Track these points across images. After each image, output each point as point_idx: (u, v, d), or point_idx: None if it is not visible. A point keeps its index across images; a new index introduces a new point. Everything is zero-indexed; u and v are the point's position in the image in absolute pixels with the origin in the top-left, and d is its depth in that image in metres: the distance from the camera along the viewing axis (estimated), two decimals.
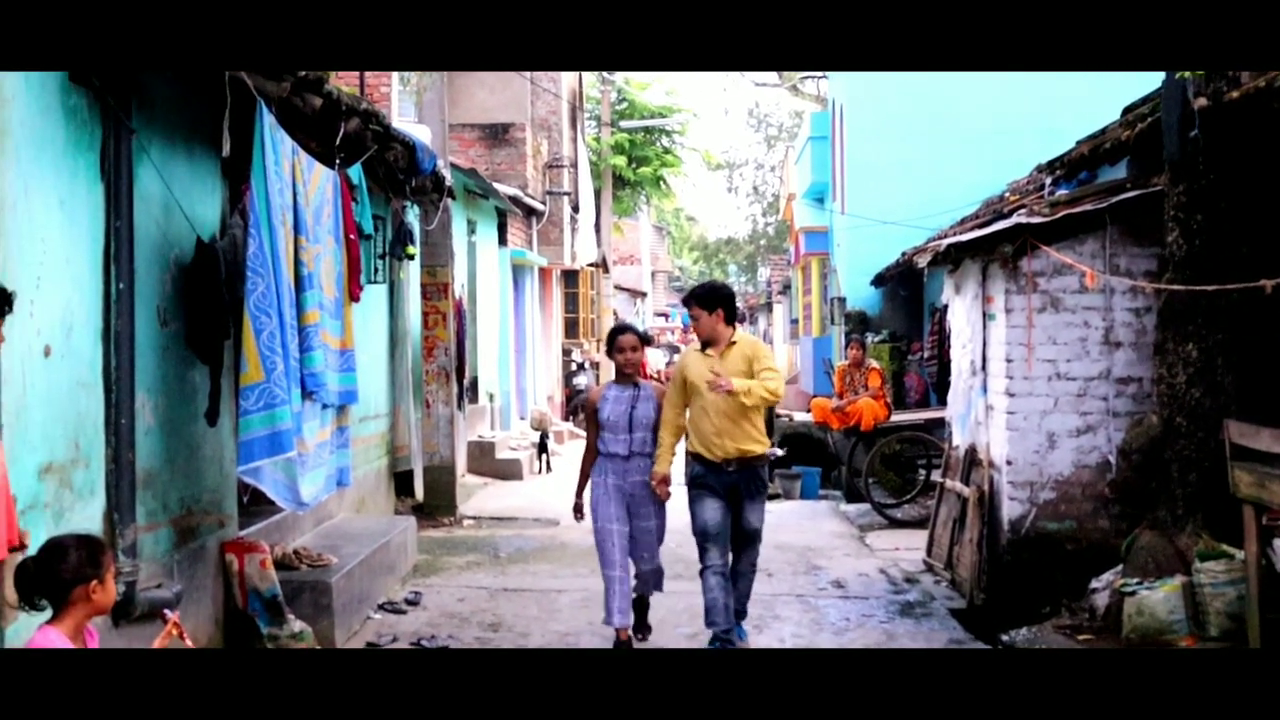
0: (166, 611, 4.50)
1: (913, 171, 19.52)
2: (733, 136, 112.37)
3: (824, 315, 25.00)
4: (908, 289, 19.57)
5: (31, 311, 5.21)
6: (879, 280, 19.74)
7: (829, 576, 10.55)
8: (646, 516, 7.93)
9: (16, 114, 5.11)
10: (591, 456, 8.05)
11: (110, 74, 5.74)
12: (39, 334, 5.29)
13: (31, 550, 4.28)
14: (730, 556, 7.78)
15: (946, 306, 11.80)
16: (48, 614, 4.05)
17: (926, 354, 17.56)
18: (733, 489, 7.68)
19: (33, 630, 4.13)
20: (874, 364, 14.98)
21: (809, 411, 19.15)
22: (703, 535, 7.68)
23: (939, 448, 12.92)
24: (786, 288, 37.83)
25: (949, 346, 13.17)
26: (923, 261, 11.13)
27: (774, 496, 15.98)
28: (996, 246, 9.01)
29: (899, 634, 8.55)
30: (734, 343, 7.71)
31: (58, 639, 3.95)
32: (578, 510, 8.10)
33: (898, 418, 14.93)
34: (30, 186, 5.22)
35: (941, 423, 12.83)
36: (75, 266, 5.63)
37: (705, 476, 7.71)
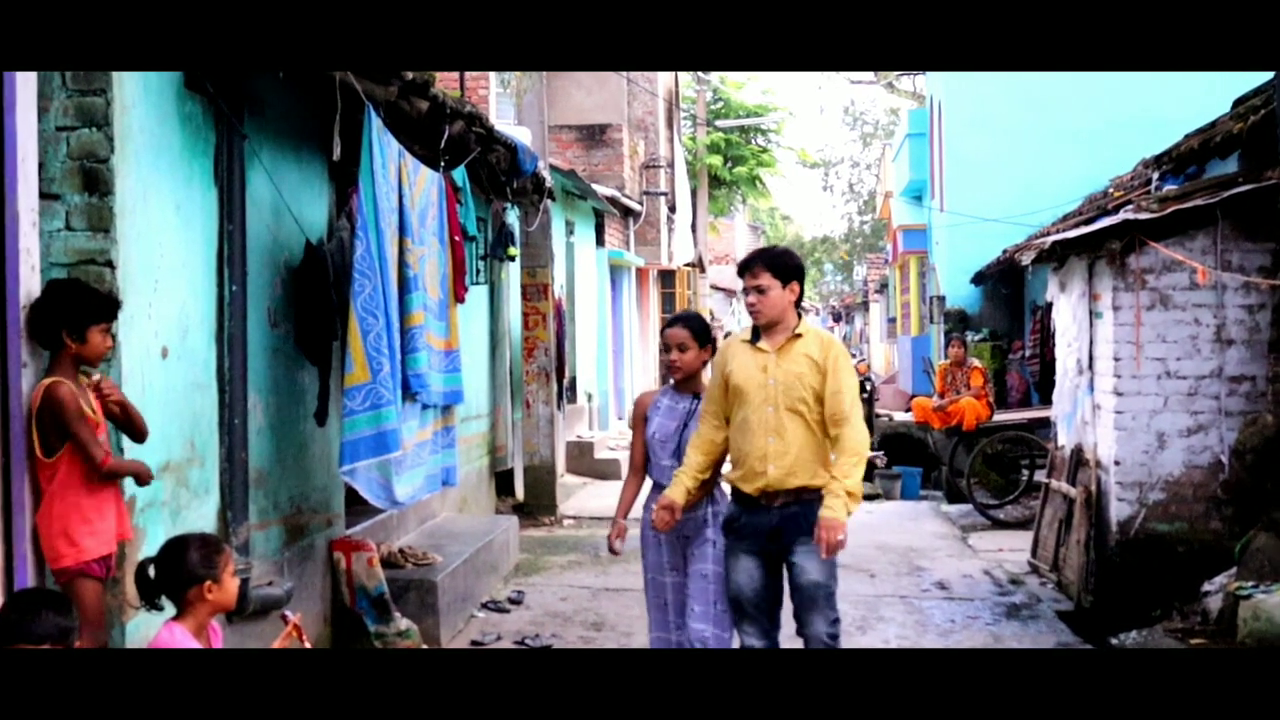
0: (287, 613, 4.56)
1: (1012, 167, 19.28)
2: (828, 134, 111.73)
3: (922, 314, 24.80)
4: (1008, 287, 19.32)
5: (150, 314, 5.32)
6: (979, 278, 19.52)
7: (932, 577, 10.46)
8: (702, 559, 5.87)
9: (136, 120, 5.23)
10: (638, 479, 6.25)
11: (224, 81, 5.84)
12: (156, 336, 5.40)
13: (152, 548, 4.38)
14: (780, 629, 5.82)
15: (1049, 304, 11.64)
16: (169, 611, 4.13)
17: (1028, 353, 17.34)
18: (774, 536, 5.60)
19: (155, 626, 4.23)
20: (976, 363, 14.82)
21: (909, 411, 19.03)
22: (734, 605, 5.73)
23: (1042, 448, 12.76)
24: (883, 286, 37.59)
25: (1052, 345, 13.01)
26: (1026, 259, 10.99)
27: (874, 497, 15.92)
28: (1103, 243, 8.87)
29: (1005, 636, 8.45)
30: (799, 335, 5.62)
31: (181, 635, 4.02)
32: (611, 544, 6.14)
33: (1000, 417, 14.75)
34: (148, 191, 5.34)
35: (1045, 422, 12.67)
36: (190, 269, 5.74)
37: (739, 520, 5.70)
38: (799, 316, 5.70)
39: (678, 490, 5.71)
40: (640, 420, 6.16)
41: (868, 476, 16.91)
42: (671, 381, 6.13)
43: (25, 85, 4.54)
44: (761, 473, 5.57)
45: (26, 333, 4.56)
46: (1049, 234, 12.79)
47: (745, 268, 5.69)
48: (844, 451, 5.45)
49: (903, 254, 27.15)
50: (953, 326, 19.61)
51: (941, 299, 20.80)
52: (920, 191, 25.47)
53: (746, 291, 5.67)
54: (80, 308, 4.60)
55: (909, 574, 10.67)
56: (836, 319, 59.85)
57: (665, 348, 6.07)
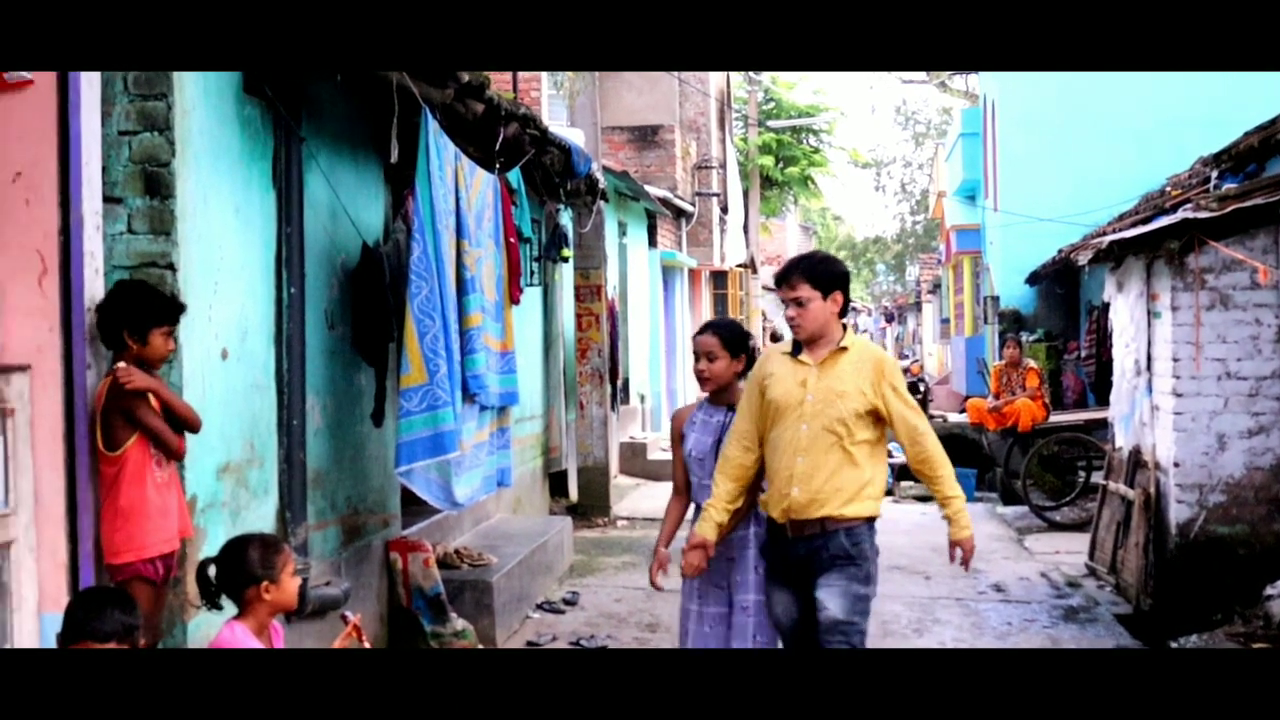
0: (347, 613, 4.59)
1: (1067, 166, 19.13)
2: (880, 134, 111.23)
3: (976, 315, 24.64)
4: (1064, 287, 19.16)
5: (210, 316, 5.37)
6: (1033, 278, 19.37)
7: (988, 580, 10.38)
8: (744, 588, 5.36)
9: (195, 124, 5.28)
10: (682, 502, 5.72)
11: (282, 84, 5.89)
12: (216, 338, 5.45)
13: (212, 548, 4.42)
14: None
15: (1106, 305, 11.54)
16: (230, 610, 4.17)
17: (1084, 353, 17.19)
18: (800, 567, 5.08)
19: (216, 625, 4.27)
20: (1031, 363, 14.71)
21: (963, 412, 18.91)
22: (781, 636, 5.33)
23: (1099, 449, 12.64)
24: (936, 287, 37.37)
25: (1108, 346, 12.91)
26: (1083, 259, 10.89)
27: (927, 498, 15.80)
28: (1162, 243, 8.78)
29: (1063, 639, 8.38)
30: (844, 349, 5.08)
31: (243, 633, 4.06)
32: (653, 579, 5.57)
33: (1056, 418, 14.63)
34: (208, 194, 5.39)
35: (1102, 423, 12.55)
36: (249, 272, 5.79)
37: (770, 549, 5.26)
38: (844, 328, 5.17)
39: (707, 526, 5.21)
40: (678, 438, 5.69)
41: (914, 478, 16.88)
42: (704, 393, 5.67)
43: (89, 89, 4.60)
44: (785, 494, 5.04)
45: (91, 334, 4.62)
46: (1105, 233, 12.67)
47: (782, 279, 5.18)
48: (934, 467, 5.11)
49: (956, 254, 26.97)
50: (1007, 327, 19.47)
51: (996, 299, 20.67)
52: (974, 191, 25.30)
53: (785, 304, 5.16)
54: (143, 309, 4.65)
55: (964, 576, 10.57)
56: (889, 319, 59.59)
57: (695, 356, 5.60)
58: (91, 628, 3.61)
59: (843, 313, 5.16)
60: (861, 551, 5.04)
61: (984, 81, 24.03)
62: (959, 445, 18.25)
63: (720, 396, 5.54)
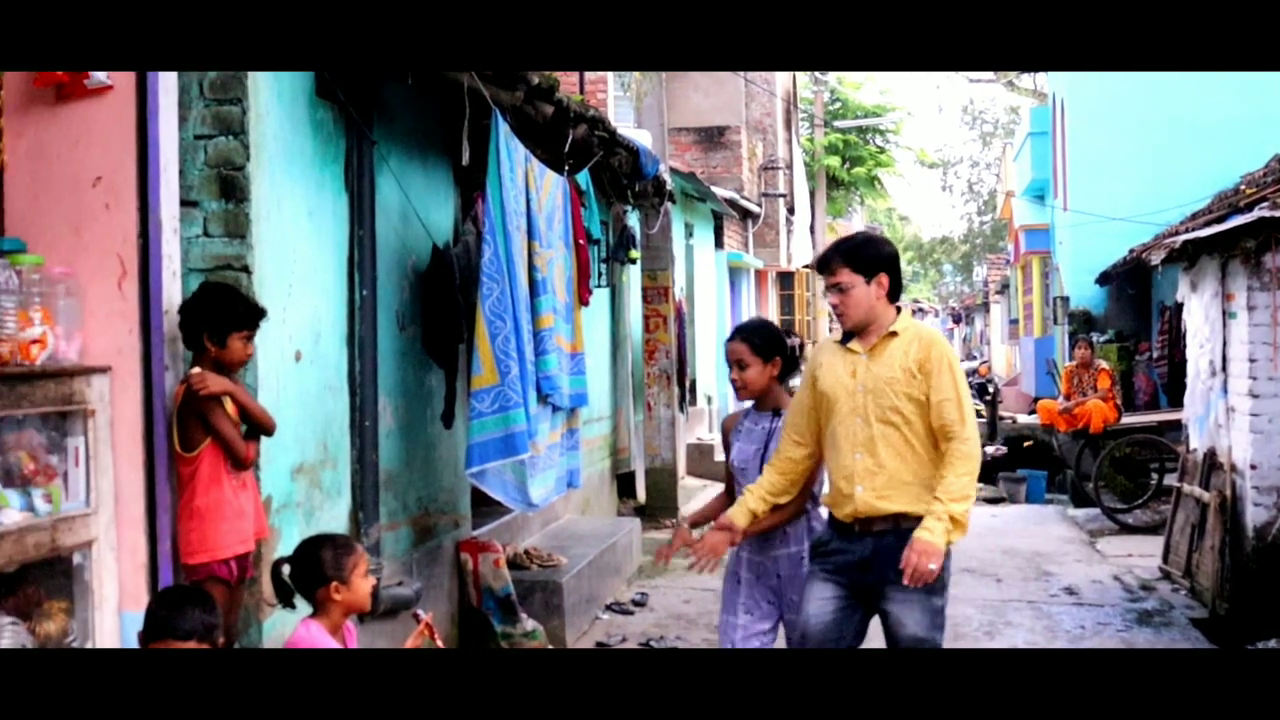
0: (419, 612, 4.61)
1: (1138, 165, 18.88)
2: (947, 134, 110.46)
3: (1045, 315, 24.39)
4: (1135, 287, 18.93)
5: (284, 318, 5.42)
6: (1104, 278, 19.15)
7: (1060, 583, 10.27)
8: (798, 609, 4.95)
9: (270, 129, 5.33)
10: (728, 498, 5.40)
11: (354, 88, 5.94)
12: (290, 340, 5.50)
13: (287, 549, 4.47)
14: None
15: (1179, 305, 11.40)
16: (305, 610, 4.21)
17: (1156, 354, 16.99)
18: (864, 568, 4.73)
19: (291, 624, 4.32)
20: (1103, 364, 14.55)
21: (1033, 413, 18.73)
22: (800, 645, 4.95)
23: (1172, 451, 12.48)
24: (1005, 287, 37.02)
25: (1181, 346, 12.74)
26: (1156, 258, 10.75)
27: (998, 500, 15.71)
28: (1237, 242, 8.65)
29: (1138, 643, 8.27)
30: (895, 334, 4.75)
31: (318, 632, 4.10)
32: (661, 552, 5.22)
33: (1128, 420, 14.46)
34: (282, 198, 5.44)
35: (1175, 425, 12.39)
36: (322, 274, 5.84)
37: (828, 545, 4.87)
38: (898, 311, 4.82)
39: (740, 511, 4.91)
40: (727, 445, 5.45)
41: (990, 479, 16.74)
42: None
43: (167, 95, 4.66)
44: (849, 495, 4.72)
45: (171, 336, 4.68)
46: (1178, 232, 12.49)
47: (823, 265, 4.88)
48: (950, 468, 4.57)
49: (1025, 254, 26.71)
50: (1077, 328, 19.28)
51: (1065, 300, 20.46)
52: (1042, 190, 25.06)
53: (828, 291, 4.85)
54: (223, 313, 4.68)
55: (1036, 579, 10.50)
56: (956, 320, 59.17)
57: (728, 364, 5.29)
58: (172, 626, 3.65)
59: (894, 295, 4.80)
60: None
61: (1052, 80, 23.79)
62: (1029, 447, 18.09)
63: (764, 402, 5.27)
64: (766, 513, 4.96)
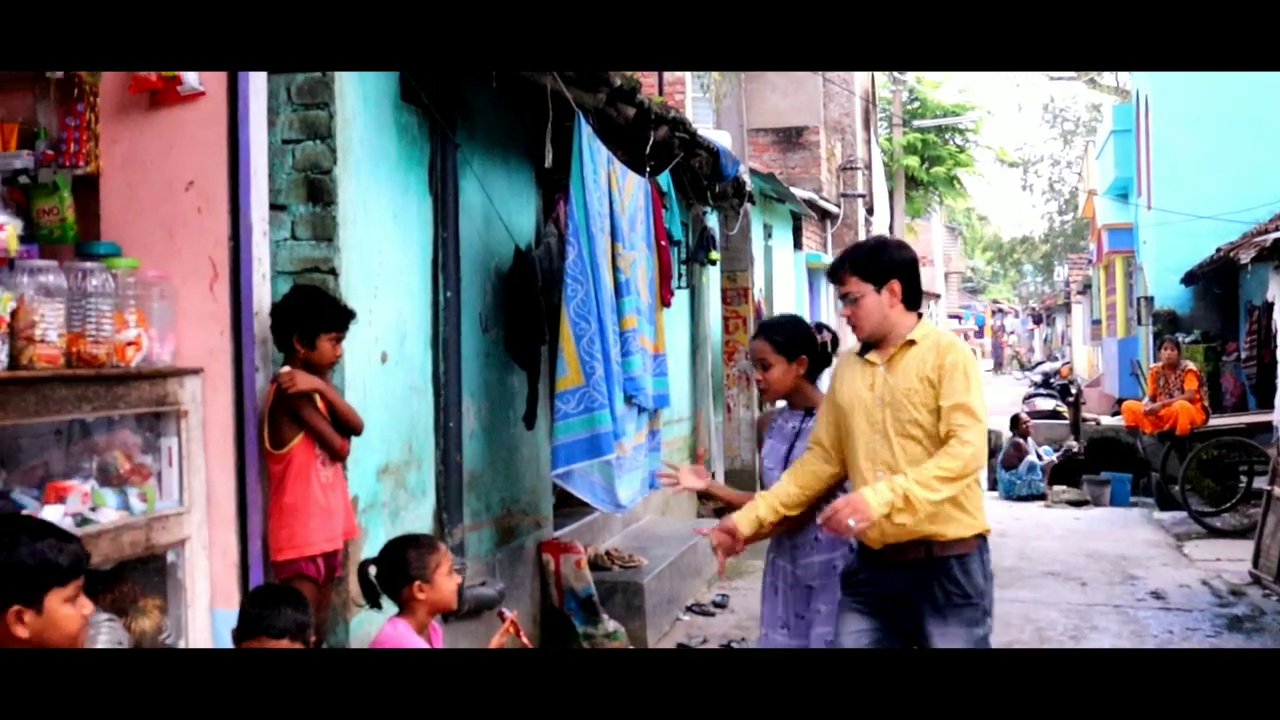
0: (504, 610, 4.64)
1: (1225, 163, 18.56)
2: (1027, 132, 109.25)
3: (1129, 316, 24.07)
4: (1222, 287, 18.61)
5: (370, 320, 5.47)
6: (1189, 278, 18.85)
7: (1147, 587, 10.13)
8: (827, 620, 4.72)
9: (356, 133, 5.39)
10: None
11: (438, 92, 5.99)
12: (376, 341, 5.55)
13: (373, 548, 4.52)
14: None
15: (1268, 304, 11.22)
16: (390, 609, 4.26)
17: (1244, 354, 16.70)
18: (900, 601, 4.43)
19: (379, 623, 4.36)
20: (1190, 365, 14.30)
21: (1116, 415, 18.50)
22: None
23: (1262, 453, 12.28)
24: (1086, 287, 36.57)
25: (1271, 346, 12.54)
26: (1245, 257, 10.61)
27: (1082, 503, 15.52)
28: None
29: (1228, 649, 8.14)
30: (912, 342, 4.45)
31: (404, 630, 4.14)
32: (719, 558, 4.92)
33: (1215, 421, 14.20)
34: (368, 201, 5.50)
35: (1265, 427, 12.20)
36: (407, 276, 5.89)
37: (857, 576, 4.55)
38: (916, 316, 4.53)
39: (747, 518, 4.62)
40: (761, 442, 5.29)
41: (1073, 481, 16.55)
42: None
43: (256, 99, 4.72)
44: (875, 519, 4.28)
45: (262, 337, 4.75)
46: (1267, 230, 12.30)
47: (833, 275, 4.64)
48: (935, 456, 4.26)
49: (1107, 254, 26.38)
50: (1162, 328, 19.00)
51: (1150, 300, 20.18)
52: (1126, 189, 24.73)
53: (841, 302, 4.60)
54: (312, 315, 4.74)
55: (1122, 583, 10.37)
56: (1036, 321, 58.59)
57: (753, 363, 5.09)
58: (266, 624, 3.70)
59: (911, 302, 4.50)
60: (976, 586, 4.35)
61: (1136, 77, 23.46)
62: (1112, 449, 17.85)
63: (795, 401, 5.04)
64: (774, 524, 4.69)
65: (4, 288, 3.95)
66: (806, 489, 4.63)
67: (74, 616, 2.95)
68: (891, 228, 29.36)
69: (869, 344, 4.53)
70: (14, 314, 3.93)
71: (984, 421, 4.33)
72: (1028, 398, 26.37)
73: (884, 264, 4.48)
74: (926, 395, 4.34)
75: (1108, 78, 33.19)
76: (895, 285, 4.43)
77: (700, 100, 16.68)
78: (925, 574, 4.32)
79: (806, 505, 4.65)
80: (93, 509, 4.08)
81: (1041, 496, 16.15)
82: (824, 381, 5.00)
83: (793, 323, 5.24)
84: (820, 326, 5.10)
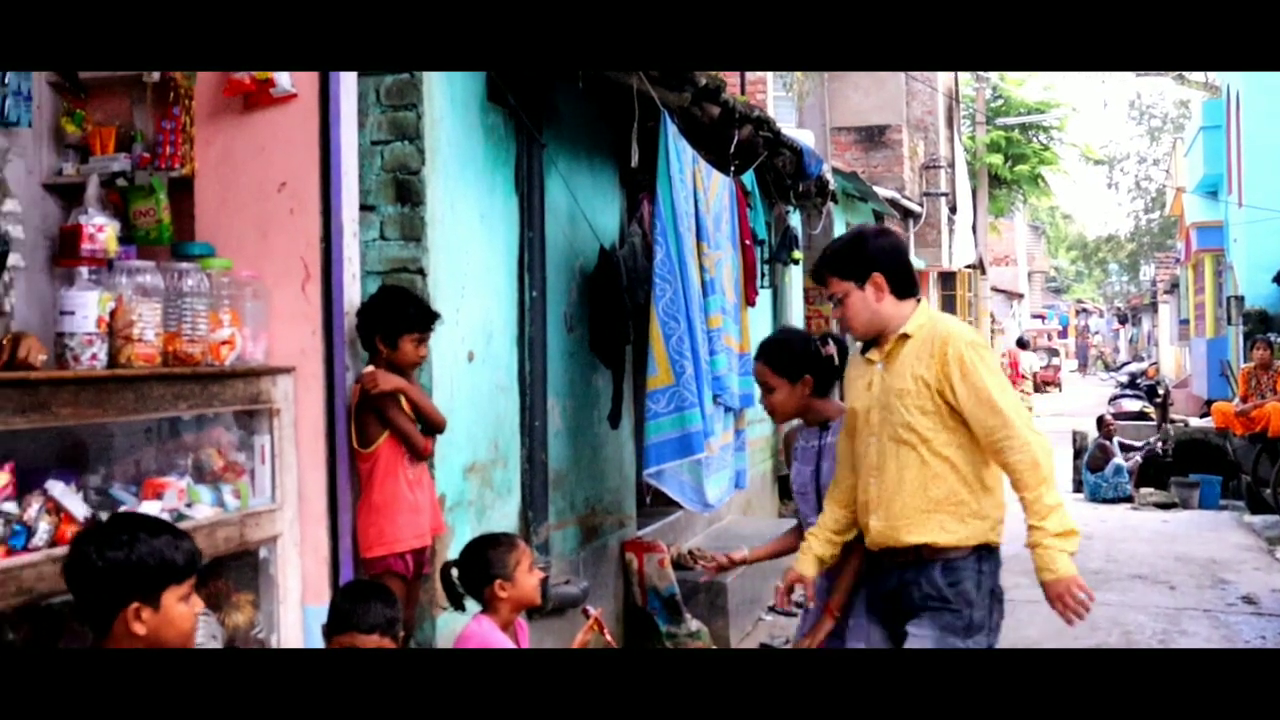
0: (589, 609, 4.66)
1: None
2: (1113, 129, 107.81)
3: (1218, 315, 23.69)
4: None
5: (457, 320, 5.52)
6: None
7: (1238, 591, 9.95)
8: (858, 634, 4.55)
9: (444, 134, 5.43)
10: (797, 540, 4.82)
11: (524, 93, 6.02)
12: (463, 340, 5.60)
13: (459, 546, 4.55)
14: None
15: None
16: (474, 609, 4.29)
17: None
18: (891, 600, 4.29)
19: (465, 619, 4.39)
20: None
21: (1204, 416, 18.19)
22: None
23: None
24: (1174, 286, 36.02)
25: None
26: None
27: (1170, 505, 15.28)
28: None
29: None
30: (907, 336, 4.17)
31: (489, 627, 4.17)
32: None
33: None
34: (455, 201, 5.54)
35: None
36: (494, 276, 5.93)
37: (867, 577, 4.44)
38: (915, 300, 4.24)
39: (806, 561, 4.44)
40: (789, 462, 5.02)
41: (1161, 483, 16.29)
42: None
43: (347, 102, 4.78)
44: (866, 524, 4.24)
45: (351, 337, 4.81)
46: None
47: (815, 277, 4.42)
48: (1022, 487, 3.99)
49: (1196, 252, 25.97)
50: (1254, 328, 18.68)
51: (1240, 299, 19.84)
52: (1215, 186, 24.35)
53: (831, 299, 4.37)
54: (395, 316, 4.79)
55: (1211, 587, 10.19)
56: (1122, 321, 57.88)
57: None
58: (356, 620, 3.74)
59: (902, 292, 4.21)
60: (961, 594, 4.10)
61: (1226, 73, 23.10)
62: (1201, 450, 17.55)
63: (810, 418, 4.79)
64: (837, 555, 4.45)
65: (103, 288, 4.02)
66: (850, 507, 4.39)
67: (188, 614, 2.98)
68: (975, 227, 29.11)
69: (870, 341, 4.30)
70: (113, 314, 4.00)
71: (1012, 405, 4.03)
72: (1114, 399, 25.99)
73: (862, 257, 4.22)
74: (920, 397, 4.08)
75: (1197, 74, 32.67)
76: (878, 278, 4.18)
77: (782, 99, 16.64)
78: (910, 576, 4.14)
79: (856, 524, 4.40)
80: (188, 505, 4.15)
81: (1128, 499, 15.93)
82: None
83: (793, 340, 4.95)
84: (826, 338, 4.83)
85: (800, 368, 4.68)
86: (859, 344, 4.40)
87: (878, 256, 4.21)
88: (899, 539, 4.12)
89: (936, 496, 4.09)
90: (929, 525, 4.08)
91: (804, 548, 4.49)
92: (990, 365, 4.08)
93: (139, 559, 2.87)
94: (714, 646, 7.65)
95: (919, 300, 4.26)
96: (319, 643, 4.02)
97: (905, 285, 4.21)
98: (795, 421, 4.93)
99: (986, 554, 4.16)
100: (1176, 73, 33.48)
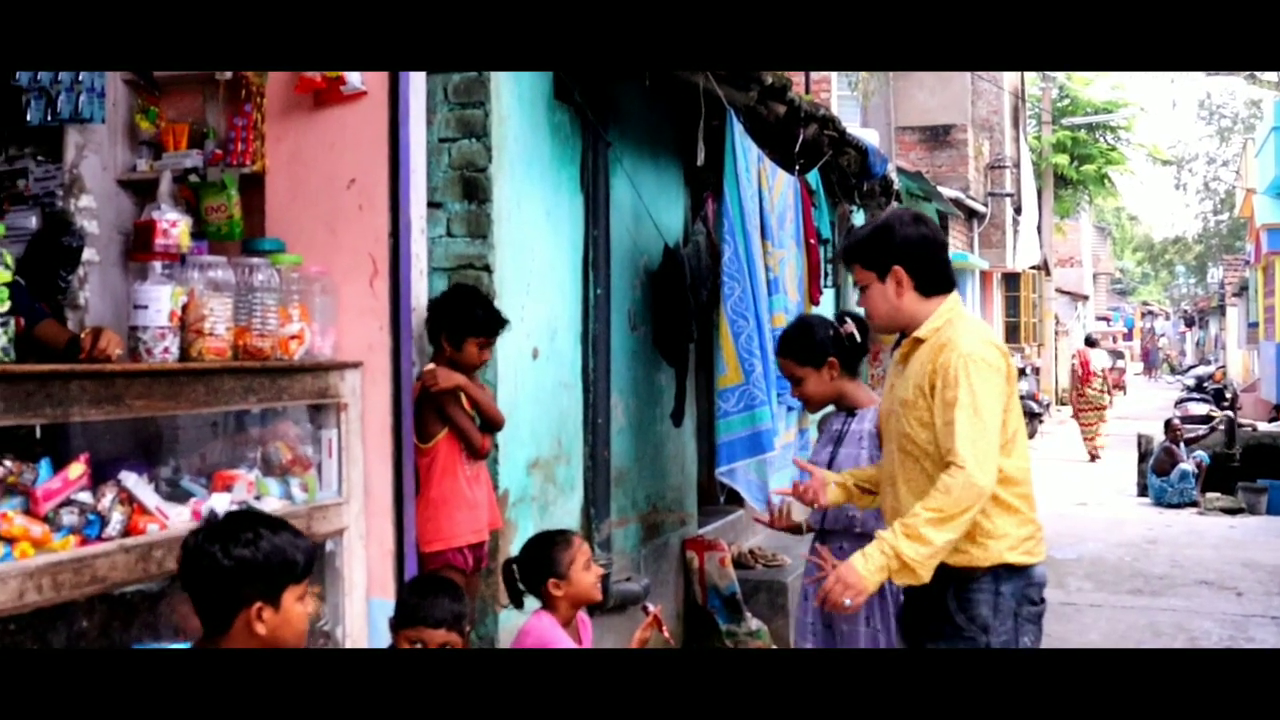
0: (648, 605, 4.67)
1: None
2: (1182, 129, 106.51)
3: None
4: None
5: (522, 316, 5.54)
6: None
7: None
8: (852, 638, 4.59)
9: (511, 131, 5.46)
10: None
11: (590, 91, 6.04)
12: (528, 337, 5.62)
13: (522, 542, 4.59)
14: None
15: None
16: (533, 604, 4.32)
17: None
18: (911, 619, 4.08)
19: (526, 614, 4.42)
20: None
21: (1273, 421, 17.98)
22: None
23: None
24: (1243, 289, 35.55)
25: None
26: None
27: (1237, 511, 15.09)
28: None
29: None
30: (920, 340, 3.90)
31: (549, 623, 4.20)
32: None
33: None
34: (521, 199, 5.57)
35: None
36: (558, 273, 5.96)
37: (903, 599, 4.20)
38: (941, 295, 3.93)
39: (834, 489, 4.26)
40: None
41: (1228, 488, 16.08)
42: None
43: (416, 99, 4.81)
44: None
45: (417, 334, 4.85)
46: None
47: (845, 264, 4.30)
48: (927, 501, 3.68)
49: (1266, 254, 25.59)
50: None
51: None
52: None
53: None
54: (463, 318, 4.83)
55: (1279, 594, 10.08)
56: (1188, 324, 57.21)
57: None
58: (424, 615, 3.76)
59: (928, 288, 3.91)
60: (974, 619, 3.81)
61: None
62: (1270, 455, 17.32)
63: (842, 403, 4.76)
64: (856, 492, 4.29)
65: (176, 283, 4.07)
66: (873, 481, 4.25)
67: (303, 615, 2.98)
68: (1040, 227, 28.87)
69: (902, 335, 4.01)
70: (185, 308, 4.06)
71: (982, 434, 3.69)
72: (1180, 402, 25.69)
73: (885, 247, 3.93)
74: (920, 409, 3.83)
75: (1269, 73, 32.20)
76: (899, 272, 3.88)
77: (847, 98, 16.58)
78: (926, 596, 3.86)
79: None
80: (257, 498, 4.19)
81: (1193, 504, 15.74)
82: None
83: (808, 327, 4.87)
84: (843, 317, 4.78)
85: (822, 352, 4.65)
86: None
87: (903, 247, 3.91)
88: None
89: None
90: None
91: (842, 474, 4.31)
92: (976, 384, 3.72)
93: (265, 557, 2.86)
94: (774, 645, 7.64)
95: (948, 297, 3.96)
96: (384, 635, 4.06)
97: (931, 281, 3.92)
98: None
99: (1007, 574, 3.82)
100: (1248, 72, 33.06)
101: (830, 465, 4.57)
